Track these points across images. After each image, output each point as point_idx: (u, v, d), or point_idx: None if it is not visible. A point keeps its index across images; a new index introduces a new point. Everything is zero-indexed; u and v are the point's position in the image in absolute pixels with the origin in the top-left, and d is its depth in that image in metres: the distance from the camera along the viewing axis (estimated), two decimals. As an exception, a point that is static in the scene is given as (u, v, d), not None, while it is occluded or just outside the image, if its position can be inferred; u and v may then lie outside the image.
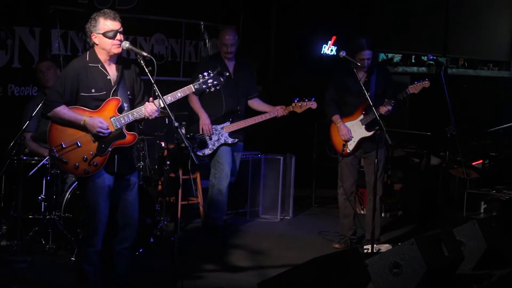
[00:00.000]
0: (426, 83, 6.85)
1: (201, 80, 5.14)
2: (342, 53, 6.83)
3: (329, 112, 7.16)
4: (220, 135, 7.43)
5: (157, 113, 5.08)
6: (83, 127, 5.01)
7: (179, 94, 5.12)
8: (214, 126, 7.40)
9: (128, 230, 5.25)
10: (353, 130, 7.03)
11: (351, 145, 7.03)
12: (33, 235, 6.47)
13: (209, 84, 5.15)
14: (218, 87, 5.20)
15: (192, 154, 4.86)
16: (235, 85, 7.49)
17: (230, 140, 7.45)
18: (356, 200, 7.38)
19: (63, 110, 4.99)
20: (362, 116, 6.99)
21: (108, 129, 5.02)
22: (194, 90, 5.16)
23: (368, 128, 6.97)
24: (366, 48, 6.87)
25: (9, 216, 6.61)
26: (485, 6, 12.49)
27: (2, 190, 6.64)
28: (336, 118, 7.07)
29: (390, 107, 6.82)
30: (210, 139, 7.39)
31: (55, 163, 6.45)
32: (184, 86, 5.17)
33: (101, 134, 5.01)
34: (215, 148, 7.42)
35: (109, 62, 5.12)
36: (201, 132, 7.35)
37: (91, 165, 5.04)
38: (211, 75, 5.15)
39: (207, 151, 7.41)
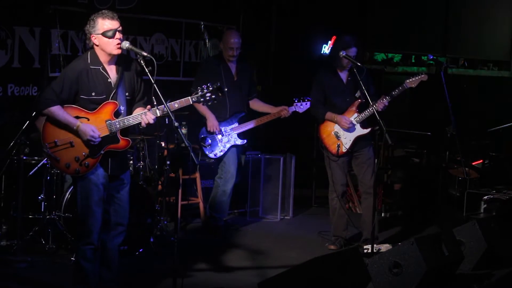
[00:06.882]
0: (424, 77, 6.81)
1: (199, 93, 5.16)
2: (342, 53, 6.83)
3: (319, 113, 7.06)
4: (230, 136, 7.45)
5: (153, 121, 5.10)
6: (75, 132, 5.03)
7: (176, 105, 5.13)
8: (223, 128, 7.42)
9: (119, 228, 5.29)
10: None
11: (347, 144, 6.96)
12: (33, 235, 6.48)
13: (207, 98, 5.17)
14: (215, 102, 5.22)
15: (192, 154, 4.86)
16: (239, 87, 7.53)
17: (239, 142, 7.50)
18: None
19: (58, 111, 4.99)
20: (356, 115, 6.96)
21: (99, 137, 5.04)
22: (191, 103, 5.18)
23: (363, 126, 6.96)
24: (353, 45, 6.86)
25: (9, 216, 6.61)
26: (485, 6, 12.48)
27: (2, 190, 6.63)
28: (329, 114, 7.00)
29: (386, 103, 6.77)
30: (221, 140, 7.42)
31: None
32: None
33: (91, 143, 5.03)
34: (226, 149, 7.45)
35: (109, 63, 5.12)
36: (211, 131, 7.36)
37: (82, 165, 5.05)
38: (210, 89, 5.16)
39: (218, 153, 7.44)
